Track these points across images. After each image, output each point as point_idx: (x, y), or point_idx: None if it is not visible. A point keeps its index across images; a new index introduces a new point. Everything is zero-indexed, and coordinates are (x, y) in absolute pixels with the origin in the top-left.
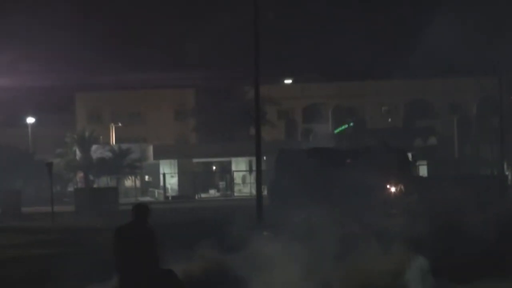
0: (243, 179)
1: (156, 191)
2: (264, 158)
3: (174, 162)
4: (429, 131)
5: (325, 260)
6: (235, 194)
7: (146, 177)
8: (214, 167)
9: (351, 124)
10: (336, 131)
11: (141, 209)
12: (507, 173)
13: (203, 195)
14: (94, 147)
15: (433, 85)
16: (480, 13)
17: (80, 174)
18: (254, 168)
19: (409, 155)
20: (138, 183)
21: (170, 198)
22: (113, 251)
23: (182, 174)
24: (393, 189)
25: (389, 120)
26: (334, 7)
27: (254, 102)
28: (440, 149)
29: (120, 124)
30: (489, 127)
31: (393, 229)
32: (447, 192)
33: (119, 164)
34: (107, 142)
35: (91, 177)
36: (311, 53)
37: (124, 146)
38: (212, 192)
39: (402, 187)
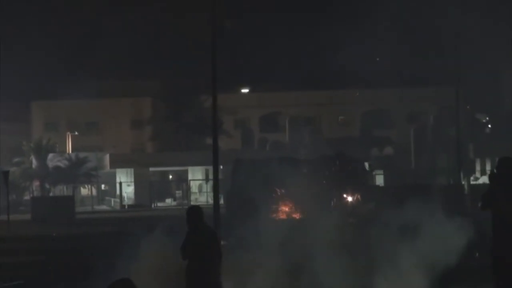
0: (200, 188)
1: (112, 200)
2: (221, 167)
3: (131, 171)
4: (385, 141)
5: (281, 274)
6: (192, 203)
7: (103, 186)
8: (170, 176)
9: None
10: None
11: (200, 212)
12: (463, 182)
13: (159, 204)
14: (50, 155)
15: (390, 95)
16: (439, 23)
17: (36, 183)
18: (210, 177)
19: (366, 164)
20: (94, 191)
21: (126, 207)
22: (185, 256)
23: (138, 183)
24: (349, 198)
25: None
26: (291, 14)
27: (211, 111)
28: (396, 158)
29: (76, 133)
30: (446, 137)
31: (350, 238)
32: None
33: (75, 172)
34: (63, 150)
35: (47, 186)
36: (268, 63)
37: (81, 154)
38: (169, 201)
39: (359, 196)
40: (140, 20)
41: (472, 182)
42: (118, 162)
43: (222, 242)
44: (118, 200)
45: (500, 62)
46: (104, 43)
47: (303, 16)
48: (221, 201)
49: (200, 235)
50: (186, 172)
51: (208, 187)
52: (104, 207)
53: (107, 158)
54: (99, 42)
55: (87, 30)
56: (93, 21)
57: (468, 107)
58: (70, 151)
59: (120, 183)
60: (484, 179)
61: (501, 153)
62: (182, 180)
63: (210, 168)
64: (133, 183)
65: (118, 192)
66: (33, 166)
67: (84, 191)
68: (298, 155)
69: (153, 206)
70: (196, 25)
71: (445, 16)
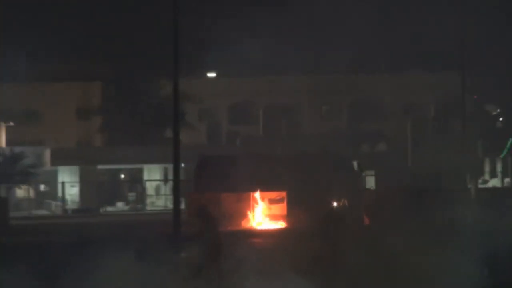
0: (157, 190)
1: (53, 203)
2: (183, 165)
3: (75, 169)
4: (378, 136)
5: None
6: (147, 207)
7: (42, 187)
8: (122, 176)
9: None
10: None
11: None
12: (469, 186)
13: (109, 209)
14: None
15: (383, 82)
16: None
17: None
18: (170, 177)
19: (354, 163)
20: (32, 193)
21: (69, 211)
22: None
23: (84, 184)
24: (335, 203)
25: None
26: None
27: (172, 99)
28: (390, 156)
29: (12, 123)
30: (450, 132)
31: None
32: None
33: (10, 170)
34: None
35: None
36: (239, 43)
37: (17, 149)
38: (120, 205)
39: (346, 201)
40: None
41: (480, 186)
42: (61, 158)
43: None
44: (60, 203)
45: None
46: (46, 19)
47: None
48: (183, 206)
49: None
50: (141, 171)
51: (167, 189)
52: (43, 212)
53: (47, 153)
54: (39, 18)
55: (26, 4)
56: None
57: (475, 96)
58: (4, 145)
59: (63, 184)
60: (494, 183)
61: None
62: (136, 180)
63: (170, 166)
64: (78, 184)
65: (60, 194)
66: None
67: (20, 192)
68: (274, 152)
69: (101, 211)
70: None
71: None
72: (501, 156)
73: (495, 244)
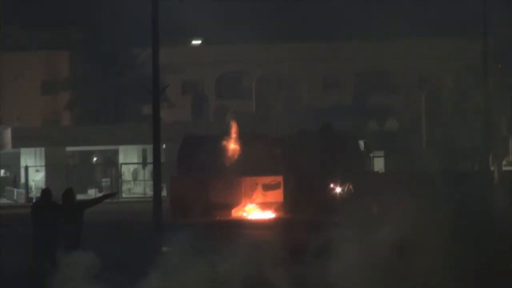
0: (135, 174)
1: (15, 190)
2: (164, 146)
3: (41, 151)
4: (387, 111)
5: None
6: (124, 195)
7: (2, 172)
8: (95, 159)
9: None
10: None
11: None
12: (492, 168)
13: (80, 197)
14: None
15: (393, 50)
16: None
17: None
18: (149, 159)
19: (361, 143)
20: None
21: (34, 199)
22: None
23: (51, 168)
24: (338, 189)
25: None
26: None
27: (151, 69)
28: (402, 135)
29: None
30: (470, 106)
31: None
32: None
33: None
34: None
35: None
36: (227, 5)
37: None
38: (92, 192)
39: (351, 186)
40: None
41: (504, 168)
42: (24, 139)
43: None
44: (23, 191)
45: None
46: None
47: None
48: (164, 193)
49: None
50: (116, 153)
51: (146, 174)
52: (4, 201)
53: (8, 133)
54: None
55: None
56: None
57: (499, 66)
58: None
59: (26, 168)
60: None
61: None
62: (111, 163)
63: (149, 147)
64: (43, 168)
65: (23, 180)
66: None
67: None
68: (269, 130)
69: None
70: None
71: None
72: None
73: None
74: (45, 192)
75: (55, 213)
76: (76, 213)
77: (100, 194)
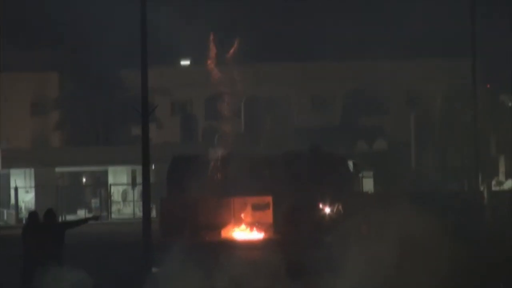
0: (124, 195)
1: (5, 211)
2: (153, 166)
3: (30, 172)
4: (376, 132)
5: None
6: (113, 215)
7: None
8: (84, 179)
9: None
10: None
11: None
12: (482, 188)
13: (69, 217)
14: None
15: (383, 69)
16: None
17: None
18: (139, 180)
19: (350, 163)
20: None
21: (24, 221)
22: None
23: (40, 189)
24: (327, 210)
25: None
26: None
27: (140, 90)
28: (391, 155)
29: None
30: (459, 126)
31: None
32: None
33: None
34: None
35: None
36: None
37: None
38: (82, 213)
39: (340, 206)
40: None
41: (494, 188)
42: (13, 160)
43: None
44: (12, 212)
45: None
46: None
47: None
48: (153, 213)
49: None
50: (105, 173)
51: (135, 194)
52: None
53: None
54: None
55: None
56: None
57: (488, 86)
58: None
59: (16, 189)
60: (510, 184)
61: None
62: (100, 184)
63: (138, 168)
64: (33, 189)
65: (13, 201)
66: None
67: None
68: (258, 151)
69: (60, 220)
70: None
71: None
72: None
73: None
74: (32, 215)
75: (43, 234)
76: (56, 233)
77: (89, 215)
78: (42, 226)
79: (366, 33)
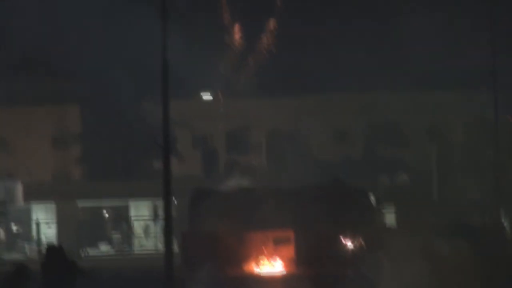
0: (146, 229)
1: (26, 245)
2: (175, 200)
3: (51, 206)
4: (398, 165)
5: None
6: (135, 249)
7: (13, 227)
8: (105, 213)
9: None
10: None
11: None
12: (503, 221)
13: (91, 251)
14: None
15: (404, 102)
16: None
17: None
18: (160, 214)
19: (371, 196)
20: (2, 234)
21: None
22: None
23: (62, 223)
24: (349, 244)
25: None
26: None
27: (161, 124)
28: (413, 189)
29: None
30: (481, 158)
31: None
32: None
33: None
34: None
35: None
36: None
37: None
38: (104, 247)
39: (362, 241)
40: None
41: None
42: (35, 193)
43: None
44: (35, 245)
45: None
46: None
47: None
48: (175, 247)
49: None
50: (127, 207)
51: (157, 228)
52: (16, 256)
53: (19, 188)
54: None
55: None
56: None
57: (509, 117)
58: None
59: (38, 223)
60: None
61: None
62: (122, 218)
63: (160, 202)
64: (55, 223)
65: (34, 234)
66: None
67: None
68: (279, 185)
69: (82, 254)
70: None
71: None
72: None
73: None
74: (51, 249)
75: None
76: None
77: (111, 251)
78: (62, 261)
79: (387, 64)
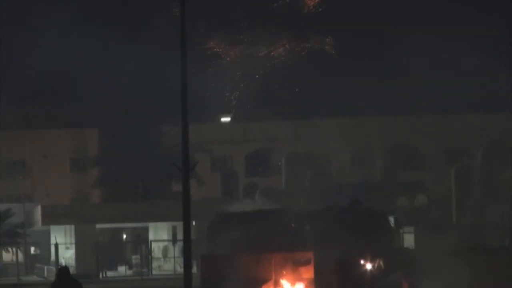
0: (165, 251)
1: (45, 267)
2: (194, 223)
3: (71, 228)
4: (417, 187)
5: None
6: (154, 272)
7: (32, 249)
8: (124, 236)
9: None
10: None
11: None
12: None
13: (109, 274)
14: None
15: (423, 125)
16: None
17: None
18: (179, 237)
19: (391, 218)
20: (21, 256)
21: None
22: None
23: (81, 245)
24: (368, 266)
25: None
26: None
27: (180, 147)
28: (432, 211)
29: None
30: (499, 181)
31: None
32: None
33: None
34: None
35: None
36: (257, 83)
37: (2, 206)
38: (122, 270)
39: (381, 262)
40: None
41: None
42: (54, 216)
43: None
44: (53, 268)
45: None
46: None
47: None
48: (194, 270)
49: None
50: (146, 230)
51: (176, 251)
52: (34, 278)
53: (38, 210)
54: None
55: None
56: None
57: None
58: None
59: (56, 245)
60: None
61: None
62: (141, 241)
63: (179, 224)
64: (73, 245)
65: (53, 257)
66: None
67: (7, 256)
68: (298, 207)
69: (101, 276)
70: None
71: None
72: None
73: None
74: (62, 271)
75: None
76: None
77: (130, 272)
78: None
79: (406, 88)
